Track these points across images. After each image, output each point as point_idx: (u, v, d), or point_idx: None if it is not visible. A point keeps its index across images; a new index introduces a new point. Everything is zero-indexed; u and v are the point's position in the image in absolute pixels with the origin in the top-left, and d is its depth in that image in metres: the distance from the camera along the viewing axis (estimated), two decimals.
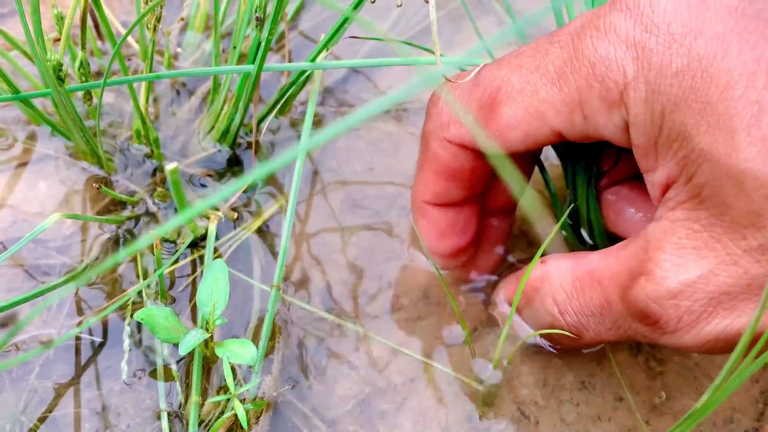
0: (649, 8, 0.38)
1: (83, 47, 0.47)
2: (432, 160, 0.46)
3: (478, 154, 0.45)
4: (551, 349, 0.51)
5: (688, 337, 0.40)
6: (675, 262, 0.39)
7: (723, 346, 0.40)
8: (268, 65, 0.50)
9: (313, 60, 0.54)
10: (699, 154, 0.37)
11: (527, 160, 0.49)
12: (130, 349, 0.50)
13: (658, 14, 0.37)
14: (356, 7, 0.47)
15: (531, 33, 0.63)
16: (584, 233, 0.52)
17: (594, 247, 0.53)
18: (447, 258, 0.51)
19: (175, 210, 0.53)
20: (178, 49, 0.62)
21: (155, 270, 0.49)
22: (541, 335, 0.50)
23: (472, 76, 0.44)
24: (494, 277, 0.54)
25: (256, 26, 0.49)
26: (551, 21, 0.55)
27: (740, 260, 0.37)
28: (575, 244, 0.53)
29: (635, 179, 0.48)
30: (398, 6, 0.47)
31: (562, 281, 0.45)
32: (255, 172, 0.23)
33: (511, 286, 0.50)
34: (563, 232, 0.53)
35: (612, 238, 0.51)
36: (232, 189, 0.26)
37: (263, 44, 0.48)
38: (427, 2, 0.48)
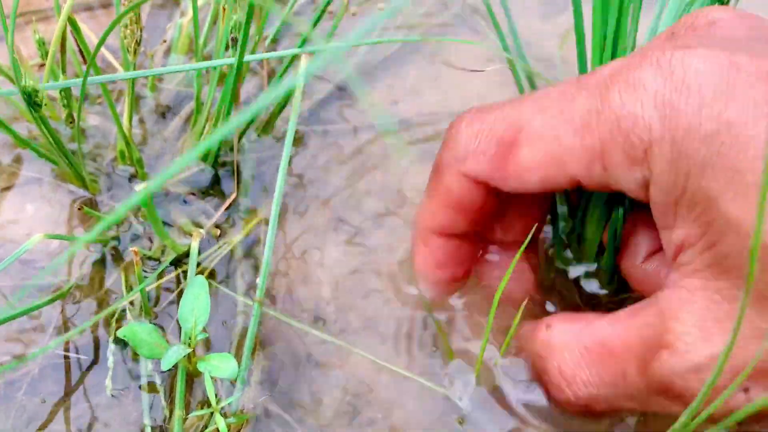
0: (680, 67, 0.37)
1: (63, 70, 0.48)
2: (443, 192, 0.46)
3: (492, 191, 0.45)
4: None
5: (716, 411, 0.38)
6: (698, 336, 0.37)
7: (754, 419, 0.39)
8: (249, 56, 0.51)
9: (286, 69, 0.55)
10: (724, 223, 0.36)
11: (542, 198, 0.49)
12: (114, 366, 0.50)
13: (690, 74, 0.36)
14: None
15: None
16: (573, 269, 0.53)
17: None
18: (439, 286, 0.50)
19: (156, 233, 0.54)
20: None
21: (141, 291, 0.50)
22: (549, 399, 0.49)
23: (493, 110, 0.44)
24: None
25: (232, 46, 0.50)
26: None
27: None
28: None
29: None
30: (380, 9, 0.48)
31: (569, 351, 0.43)
32: (239, 116, 0.23)
33: (522, 341, 0.50)
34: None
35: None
36: (182, 162, 0.26)
37: (237, 64, 0.49)
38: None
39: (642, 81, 0.37)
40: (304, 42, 0.55)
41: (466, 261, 0.50)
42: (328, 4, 0.53)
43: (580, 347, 0.43)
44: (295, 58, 0.52)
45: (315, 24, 0.55)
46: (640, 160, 0.38)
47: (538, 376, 0.47)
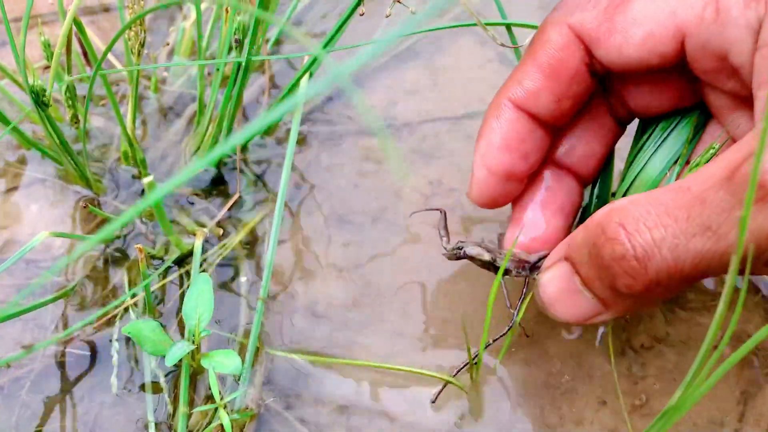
0: None
1: (69, 72, 0.49)
2: (540, 48, 0.45)
3: (590, 58, 0.44)
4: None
5: None
6: None
7: None
8: (257, 57, 0.51)
9: (296, 82, 0.56)
10: None
11: (610, 135, 0.48)
12: (119, 364, 0.51)
13: None
14: (326, 45, 0.49)
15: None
16: None
17: None
18: (493, 179, 0.47)
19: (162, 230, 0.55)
20: (165, 74, 0.64)
21: (144, 287, 0.51)
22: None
23: None
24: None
25: (236, 47, 0.51)
26: None
27: None
28: None
29: None
30: (387, 17, 0.49)
31: (635, 205, 0.39)
32: (247, 128, 0.23)
33: (574, 235, 0.44)
34: None
35: None
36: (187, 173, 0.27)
37: (245, 62, 0.49)
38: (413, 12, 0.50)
39: None
40: (314, 61, 0.55)
41: (531, 155, 0.47)
42: (344, 23, 0.53)
43: (649, 199, 0.39)
44: (309, 67, 0.52)
45: (327, 44, 0.55)
46: None
47: (591, 253, 0.41)
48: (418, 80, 0.65)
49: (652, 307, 0.43)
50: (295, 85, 0.56)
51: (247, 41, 0.47)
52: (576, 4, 0.44)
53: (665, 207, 0.38)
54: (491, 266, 0.49)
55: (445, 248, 0.50)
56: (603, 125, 0.50)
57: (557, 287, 0.45)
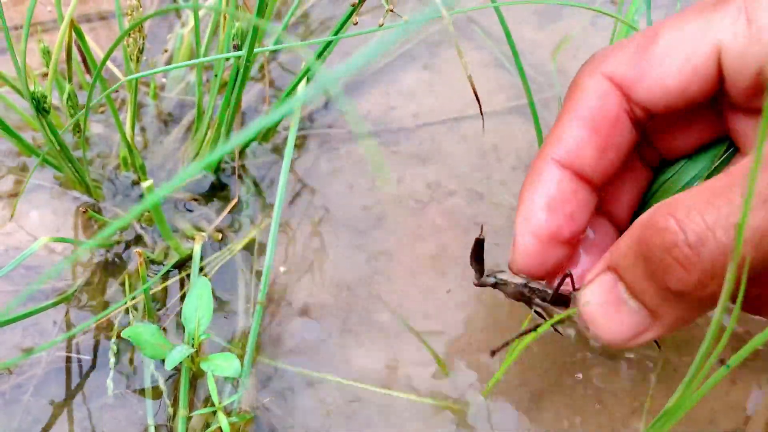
0: None
1: (70, 80, 0.49)
2: (577, 100, 0.44)
3: (630, 104, 0.44)
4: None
5: None
6: None
7: None
8: (257, 49, 0.51)
9: (293, 88, 0.56)
10: None
11: (644, 174, 0.48)
12: (115, 367, 0.51)
13: None
14: (320, 55, 0.49)
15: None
16: None
17: None
18: (537, 245, 0.44)
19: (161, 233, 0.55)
20: (164, 80, 0.64)
21: (144, 291, 0.51)
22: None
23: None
24: None
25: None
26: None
27: None
28: None
29: None
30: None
31: (684, 196, 0.37)
32: (244, 132, 0.24)
33: (617, 244, 0.41)
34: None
35: None
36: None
37: (244, 63, 0.50)
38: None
39: None
40: (307, 70, 0.56)
41: (576, 217, 0.45)
42: (340, 28, 0.54)
43: (698, 188, 0.37)
44: (304, 74, 0.53)
45: (320, 55, 0.56)
46: None
47: (638, 252, 0.39)
48: (415, 84, 0.66)
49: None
50: (293, 89, 0.56)
51: (245, 46, 0.47)
52: (605, 54, 0.44)
53: (716, 190, 0.36)
54: (521, 294, 0.46)
55: (476, 282, 0.47)
56: (637, 172, 0.48)
57: (600, 300, 0.42)
